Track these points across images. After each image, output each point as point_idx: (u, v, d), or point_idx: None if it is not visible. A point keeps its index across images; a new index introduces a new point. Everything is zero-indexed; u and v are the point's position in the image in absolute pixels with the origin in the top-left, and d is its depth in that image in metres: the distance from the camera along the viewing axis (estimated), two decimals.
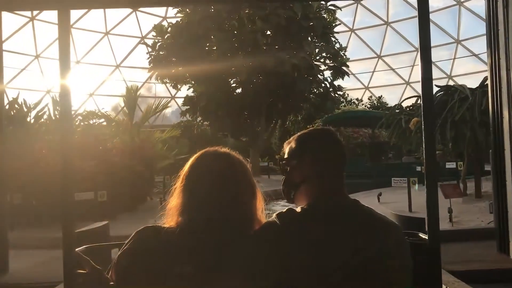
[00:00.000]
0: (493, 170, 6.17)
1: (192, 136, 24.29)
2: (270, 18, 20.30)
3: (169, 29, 23.04)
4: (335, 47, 22.99)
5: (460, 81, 26.33)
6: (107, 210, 8.91)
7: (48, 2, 1.97)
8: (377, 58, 33.94)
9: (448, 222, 8.05)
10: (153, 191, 13.19)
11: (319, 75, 23.20)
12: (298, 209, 1.41)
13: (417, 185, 9.89)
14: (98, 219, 7.22)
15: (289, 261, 1.29)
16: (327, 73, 23.83)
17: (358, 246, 1.28)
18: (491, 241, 6.44)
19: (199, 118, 25.34)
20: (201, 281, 1.28)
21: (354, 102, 33.89)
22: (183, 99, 25.29)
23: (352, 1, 31.47)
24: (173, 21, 24.60)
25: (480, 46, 32.92)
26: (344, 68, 23.44)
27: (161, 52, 22.77)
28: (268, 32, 22.05)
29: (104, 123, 13.67)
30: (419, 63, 1.55)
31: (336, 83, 23.88)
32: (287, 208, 1.42)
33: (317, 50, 22.79)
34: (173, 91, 30.86)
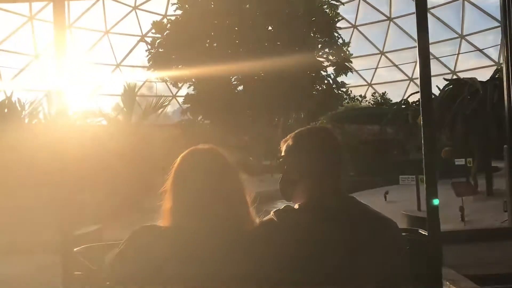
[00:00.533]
0: (508, 167, 5.80)
1: (193, 135, 23.93)
2: (272, 14, 19.92)
3: (169, 25, 22.69)
4: (338, 43, 22.59)
5: (464, 76, 25.86)
6: (103, 212, 8.56)
7: None
8: (380, 55, 33.52)
9: (460, 221, 7.68)
10: (153, 191, 12.81)
11: (322, 72, 22.81)
12: (296, 206, 1.43)
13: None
14: (92, 222, 6.90)
15: (287, 258, 1.30)
16: (330, 70, 23.45)
17: (355, 243, 1.29)
18: (507, 241, 6.09)
19: (200, 117, 25.01)
20: (198, 281, 1.28)
21: (357, 99, 33.48)
22: (183, 98, 24.98)
23: None
24: (173, 18, 24.32)
25: (485, 41, 32.59)
26: (347, 64, 23.05)
27: (160, 50, 22.43)
28: (270, 28, 21.67)
29: (104, 123, 13.36)
30: (418, 60, 1.58)
31: (339, 79, 23.49)
32: (284, 205, 1.44)
33: (319, 45, 22.39)
34: (174, 90, 30.59)
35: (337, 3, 22.45)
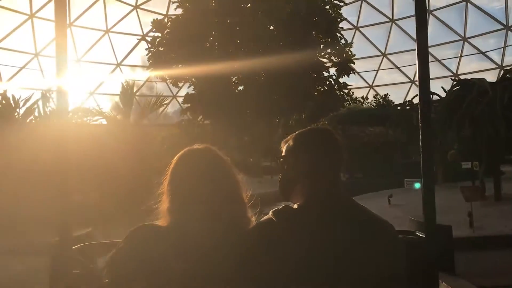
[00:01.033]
0: None
1: (193, 135, 23.65)
2: (273, 13, 19.62)
3: (169, 24, 22.40)
4: (341, 43, 22.29)
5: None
6: (99, 213, 8.28)
7: None
8: (381, 56, 33.26)
9: (469, 227, 7.38)
10: (150, 192, 12.54)
11: (323, 72, 22.51)
12: (295, 206, 1.44)
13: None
14: (87, 224, 6.62)
15: (285, 257, 1.32)
16: (332, 70, 23.16)
17: (353, 244, 1.30)
18: None
19: (200, 117, 24.73)
20: (196, 280, 1.30)
21: (359, 101, 33.18)
22: (183, 97, 24.71)
23: None
24: (174, 17, 24.05)
25: (487, 43, 32.31)
26: (349, 64, 22.76)
27: (160, 48, 22.14)
28: (271, 27, 21.38)
29: (102, 122, 13.07)
30: (416, 63, 1.61)
31: (341, 80, 23.20)
32: (283, 205, 1.43)
33: (321, 46, 22.10)
34: (174, 90, 30.32)
35: (340, 3, 22.16)
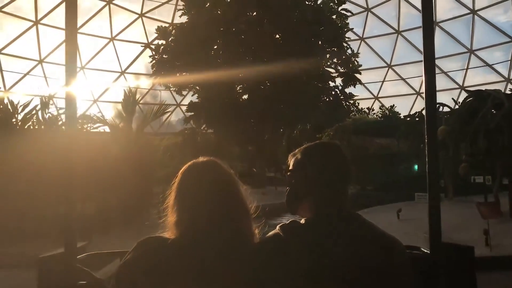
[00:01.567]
0: None
1: (196, 144, 23.36)
2: (279, 21, 19.37)
3: (173, 31, 22.19)
4: (347, 53, 22.02)
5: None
6: (97, 224, 7.96)
7: None
8: (387, 68, 32.98)
9: (485, 246, 6.99)
10: (151, 202, 12.22)
11: (329, 82, 22.22)
12: (302, 221, 1.43)
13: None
14: (83, 236, 6.27)
15: (292, 272, 1.32)
16: (338, 81, 22.87)
17: (359, 260, 1.28)
18: None
19: (203, 125, 24.43)
20: None
21: (365, 111, 32.83)
22: (187, 106, 24.46)
23: (363, 10, 30.73)
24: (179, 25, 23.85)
25: (493, 56, 31.99)
26: (356, 75, 22.47)
27: (164, 56, 21.90)
28: (277, 36, 21.13)
29: (105, 129, 12.80)
30: (423, 75, 1.60)
31: (346, 91, 22.90)
32: (290, 219, 1.44)
33: (328, 55, 21.82)
34: (178, 98, 30.11)
35: (347, 13, 21.93)
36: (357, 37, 32.58)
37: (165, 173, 12.70)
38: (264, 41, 19.66)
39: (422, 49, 1.61)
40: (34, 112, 9.38)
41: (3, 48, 29.31)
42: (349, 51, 22.27)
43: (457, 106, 11.41)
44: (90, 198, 8.08)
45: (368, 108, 33.51)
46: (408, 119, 13.28)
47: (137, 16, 33.87)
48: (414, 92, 31.93)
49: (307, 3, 20.32)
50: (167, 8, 33.95)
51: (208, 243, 1.34)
